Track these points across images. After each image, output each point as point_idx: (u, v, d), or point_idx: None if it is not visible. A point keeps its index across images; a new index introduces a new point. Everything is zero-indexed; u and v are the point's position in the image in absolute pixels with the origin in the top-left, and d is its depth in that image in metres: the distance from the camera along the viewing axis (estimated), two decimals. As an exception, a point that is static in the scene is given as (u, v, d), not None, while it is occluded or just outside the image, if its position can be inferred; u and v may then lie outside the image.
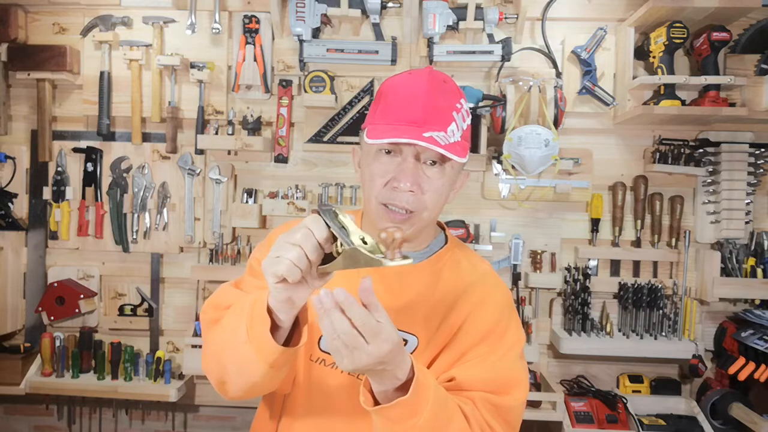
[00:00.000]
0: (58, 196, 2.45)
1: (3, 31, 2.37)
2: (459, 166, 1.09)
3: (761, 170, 2.31)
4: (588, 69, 2.31)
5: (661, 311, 2.29)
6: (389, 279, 1.09)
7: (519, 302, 2.34)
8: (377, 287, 0.86)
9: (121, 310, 2.47)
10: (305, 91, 2.34)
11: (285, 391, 1.13)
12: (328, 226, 0.85)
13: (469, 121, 1.08)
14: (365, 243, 0.84)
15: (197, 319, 2.41)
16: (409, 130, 0.98)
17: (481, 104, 2.28)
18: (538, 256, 2.37)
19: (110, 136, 2.45)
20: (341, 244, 0.84)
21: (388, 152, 1.03)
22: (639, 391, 2.34)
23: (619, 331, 2.34)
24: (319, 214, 0.86)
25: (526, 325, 2.30)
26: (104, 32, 2.39)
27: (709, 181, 2.34)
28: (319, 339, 1.12)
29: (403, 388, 0.88)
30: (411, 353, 1.03)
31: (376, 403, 0.91)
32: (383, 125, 1.02)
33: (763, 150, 2.30)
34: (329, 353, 1.10)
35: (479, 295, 1.10)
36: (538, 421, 2.23)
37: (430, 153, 1.02)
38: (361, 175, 1.12)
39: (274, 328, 0.93)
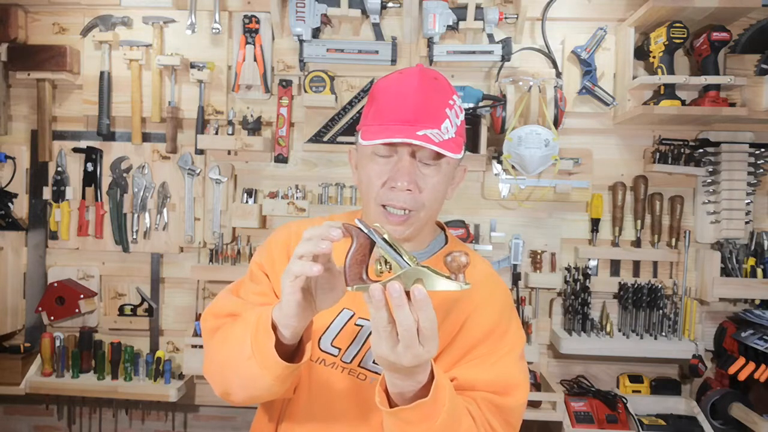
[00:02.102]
0: (58, 196, 2.45)
1: (3, 31, 2.37)
2: (455, 162, 1.09)
3: (761, 170, 2.31)
4: (588, 69, 2.31)
5: (661, 311, 2.29)
6: None
7: (519, 302, 2.34)
8: None
9: (121, 310, 2.47)
10: (305, 91, 2.34)
11: (288, 397, 1.13)
12: (371, 247, 0.83)
13: (462, 116, 1.08)
14: (417, 265, 0.83)
15: (197, 319, 2.41)
16: (403, 129, 0.98)
17: (481, 104, 2.28)
18: (538, 256, 2.37)
19: (110, 136, 2.45)
20: (385, 263, 0.82)
21: (384, 154, 1.04)
22: (639, 391, 2.34)
23: (619, 331, 2.34)
24: (361, 229, 0.84)
25: (526, 325, 2.29)
26: (104, 32, 2.39)
27: (709, 181, 2.34)
28: (319, 339, 1.12)
29: (422, 389, 0.88)
30: None
31: (390, 404, 0.91)
32: (376, 126, 1.02)
33: (763, 150, 2.30)
34: (329, 353, 1.11)
35: (480, 295, 1.10)
36: (538, 421, 2.23)
37: (425, 151, 1.02)
38: (358, 178, 1.12)
39: (279, 342, 0.93)
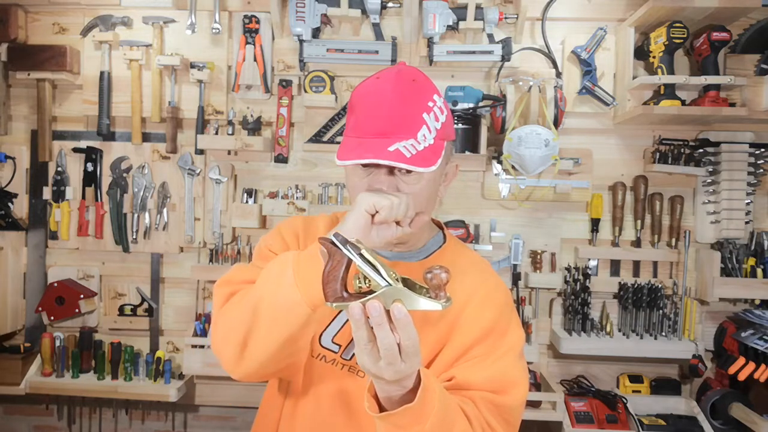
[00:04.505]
0: (58, 196, 2.45)
1: (3, 31, 2.37)
2: (441, 163, 1.07)
3: (761, 170, 2.31)
4: (588, 69, 2.31)
5: (661, 311, 2.29)
6: None
7: (519, 302, 2.34)
8: None
9: (121, 310, 2.47)
10: (305, 91, 2.34)
11: (291, 377, 1.13)
12: (350, 262, 0.81)
13: (445, 116, 1.05)
14: (397, 281, 0.81)
15: (197, 319, 2.41)
16: (375, 144, 0.97)
17: (481, 104, 2.28)
18: (538, 256, 2.37)
19: (110, 136, 2.45)
20: (364, 278, 0.81)
21: (363, 166, 1.03)
22: (639, 391, 2.34)
23: (619, 331, 2.34)
24: (335, 246, 0.81)
25: (526, 325, 2.29)
26: (104, 32, 2.39)
27: (709, 181, 2.34)
28: (320, 335, 1.12)
29: (409, 393, 0.88)
30: None
31: (381, 407, 0.91)
32: (352, 138, 1.02)
33: (763, 150, 2.30)
34: (330, 350, 1.11)
35: (479, 295, 1.10)
36: (538, 421, 2.23)
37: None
38: (346, 183, 1.12)
39: None
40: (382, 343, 0.78)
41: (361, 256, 0.81)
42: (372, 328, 0.79)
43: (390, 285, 0.79)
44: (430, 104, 1.03)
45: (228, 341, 1.02)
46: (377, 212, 0.94)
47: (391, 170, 1.02)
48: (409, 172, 1.02)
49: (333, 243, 0.82)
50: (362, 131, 1.01)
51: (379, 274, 0.80)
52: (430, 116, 1.02)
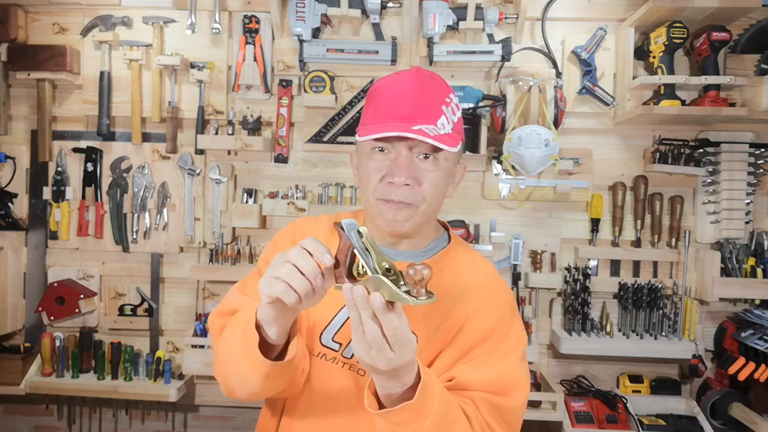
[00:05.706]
0: (58, 196, 2.45)
1: (3, 31, 2.37)
2: (454, 158, 1.10)
3: (761, 170, 2.31)
4: (588, 69, 2.31)
5: (661, 311, 2.29)
6: None
7: (519, 302, 2.34)
8: None
9: (121, 310, 2.47)
10: (305, 91, 2.34)
11: (293, 395, 1.14)
12: (351, 246, 0.85)
13: (459, 114, 1.10)
14: (389, 271, 0.83)
15: (197, 319, 2.41)
16: (399, 125, 1.00)
17: (481, 104, 2.28)
18: (538, 256, 2.37)
19: (110, 136, 2.45)
20: (362, 266, 0.84)
21: (382, 150, 1.05)
22: (639, 391, 2.34)
23: (619, 331, 2.34)
24: (342, 229, 0.86)
25: (526, 325, 2.29)
26: (104, 32, 2.39)
27: (709, 181, 2.34)
28: (321, 334, 1.12)
29: (409, 390, 0.88)
30: None
31: (380, 405, 0.91)
32: (373, 124, 1.04)
33: (763, 150, 2.30)
34: (330, 348, 1.11)
35: (482, 295, 1.10)
36: (538, 421, 2.23)
37: (422, 146, 1.03)
38: (358, 177, 1.13)
39: (269, 341, 0.96)
40: (367, 328, 0.81)
41: (361, 243, 0.84)
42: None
43: (377, 272, 0.82)
44: (447, 100, 1.06)
45: (219, 377, 1.10)
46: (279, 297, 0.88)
47: (409, 153, 1.04)
48: (426, 157, 1.04)
49: (341, 227, 0.86)
50: (383, 116, 1.04)
51: (371, 260, 0.83)
52: (448, 109, 1.05)
